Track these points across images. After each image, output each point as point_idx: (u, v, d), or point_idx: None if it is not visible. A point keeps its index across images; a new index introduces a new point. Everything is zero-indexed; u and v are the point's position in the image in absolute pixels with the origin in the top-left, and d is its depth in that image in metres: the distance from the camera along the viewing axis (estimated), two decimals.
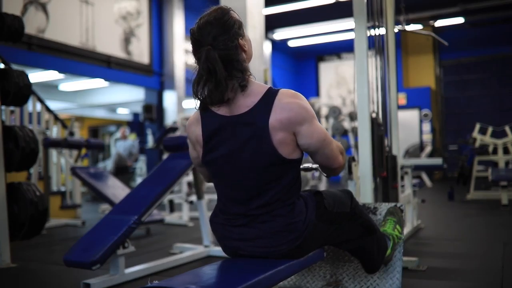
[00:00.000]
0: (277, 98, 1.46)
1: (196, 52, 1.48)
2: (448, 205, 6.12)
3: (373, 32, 3.23)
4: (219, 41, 1.44)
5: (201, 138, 1.54)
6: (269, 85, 1.56)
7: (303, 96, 1.51)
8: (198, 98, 1.50)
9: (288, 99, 1.46)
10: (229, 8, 1.52)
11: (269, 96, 1.47)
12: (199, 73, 1.46)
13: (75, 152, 5.59)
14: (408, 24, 3.85)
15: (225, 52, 1.44)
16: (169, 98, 9.87)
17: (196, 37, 1.47)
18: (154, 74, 9.73)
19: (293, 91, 1.51)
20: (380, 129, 3.00)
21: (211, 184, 6.64)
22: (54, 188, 5.75)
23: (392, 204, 2.11)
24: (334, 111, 8.42)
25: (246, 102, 1.47)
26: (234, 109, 1.48)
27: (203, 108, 1.53)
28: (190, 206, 5.40)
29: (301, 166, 1.86)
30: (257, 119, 1.45)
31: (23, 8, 6.91)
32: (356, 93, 2.93)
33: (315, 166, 1.86)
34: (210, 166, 1.56)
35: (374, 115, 2.99)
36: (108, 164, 8.73)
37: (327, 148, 1.54)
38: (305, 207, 1.53)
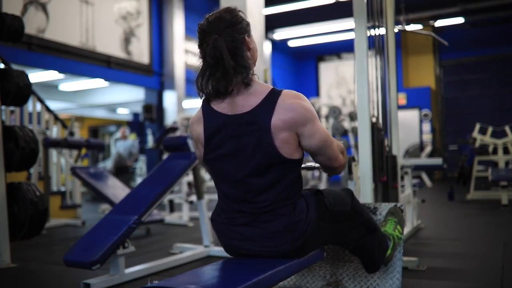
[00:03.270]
0: (280, 98, 1.47)
1: (202, 43, 1.50)
2: (448, 205, 6.12)
3: (373, 32, 3.23)
4: (226, 33, 1.47)
5: (202, 137, 1.54)
6: (269, 85, 1.56)
7: (305, 97, 1.52)
8: (203, 92, 1.51)
9: (292, 100, 1.47)
10: (238, 9, 1.58)
11: (272, 96, 1.48)
12: (204, 66, 1.48)
13: (75, 152, 5.59)
14: (408, 24, 3.84)
15: (232, 44, 1.47)
16: (169, 98, 9.87)
17: (204, 28, 1.50)
18: (154, 74, 9.74)
19: (296, 92, 1.52)
20: (380, 134, 3.00)
21: (211, 184, 6.65)
22: (54, 188, 5.75)
23: (392, 204, 2.11)
24: (334, 111, 8.41)
25: (248, 102, 1.48)
26: (237, 108, 1.48)
27: (206, 104, 1.54)
28: (190, 206, 5.40)
29: (303, 166, 1.87)
30: (260, 119, 1.45)
31: (23, 8, 6.91)
32: (356, 93, 2.93)
33: (317, 165, 1.87)
34: (211, 165, 1.57)
35: (374, 119, 2.98)
36: (108, 164, 8.73)
37: (329, 148, 1.56)
38: (306, 206, 1.54)
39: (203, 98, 1.56)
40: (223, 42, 1.45)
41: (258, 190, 1.49)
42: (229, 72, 1.44)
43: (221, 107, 1.51)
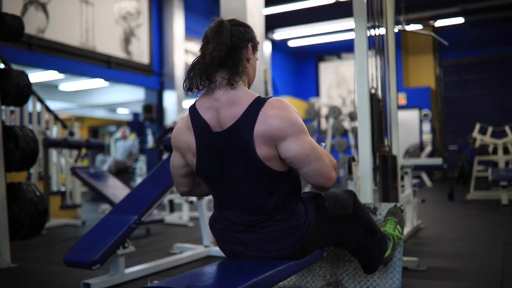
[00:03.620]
0: (262, 109, 1.40)
1: (209, 27, 1.49)
2: (448, 205, 6.12)
3: (373, 32, 3.23)
4: (235, 27, 1.48)
5: (194, 146, 1.49)
6: (268, 85, 1.56)
7: (291, 108, 1.44)
8: (190, 81, 1.46)
9: (273, 111, 1.39)
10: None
11: (255, 106, 1.41)
12: (198, 57, 1.47)
13: (75, 152, 5.59)
14: (408, 24, 3.85)
15: (235, 39, 1.46)
16: (169, 98, 9.87)
17: (216, 18, 1.50)
18: (154, 74, 9.73)
19: (283, 101, 1.44)
20: (380, 105, 3.03)
21: None
22: (54, 188, 5.75)
23: (392, 204, 2.11)
24: (334, 111, 8.41)
25: (232, 112, 1.42)
26: (222, 121, 1.43)
27: (193, 110, 1.49)
28: (190, 206, 5.40)
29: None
30: (243, 132, 1.40)
31: (23, 8, 6.91)
32: (356, 93, 2.93)
33: None
34: (205, 176, 1.54)
35: (373, 91, 3.00)
36: (108, 160, 8.72)
37: (314, 164, 1.43)
38: (305, 210, 1.52)
39: (191, 103, 1.54)
40: (229, 28, 1.45)
41: (252, 200, 1.47)
42: (226, 43, 1.42)
43: (208, 116, 1.46)
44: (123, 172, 8.23)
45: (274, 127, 1.38)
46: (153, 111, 9.63)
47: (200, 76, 1.44)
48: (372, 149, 2.88)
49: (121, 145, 9.01)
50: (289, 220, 1.48)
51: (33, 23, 7.00)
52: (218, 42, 1.42)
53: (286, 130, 1.39)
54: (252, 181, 1.46)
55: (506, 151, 6.78)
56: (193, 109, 1.51)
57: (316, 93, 13.81)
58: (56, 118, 5.83)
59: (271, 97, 1.48)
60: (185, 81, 1.48)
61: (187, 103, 10.08)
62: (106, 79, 8.93)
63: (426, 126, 12.10)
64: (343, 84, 13.69)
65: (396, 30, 3.65)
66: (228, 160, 1.45)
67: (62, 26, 7.55)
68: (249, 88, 1.54)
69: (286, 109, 1.42)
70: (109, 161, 8.55)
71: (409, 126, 11.97)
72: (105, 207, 6.35)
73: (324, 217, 1.56)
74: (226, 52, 1.42)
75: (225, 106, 1.44)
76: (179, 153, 1.57)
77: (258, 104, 1.42)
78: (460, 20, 11.27)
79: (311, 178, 1.46)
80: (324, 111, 9.82)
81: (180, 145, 1.54)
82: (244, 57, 1.49)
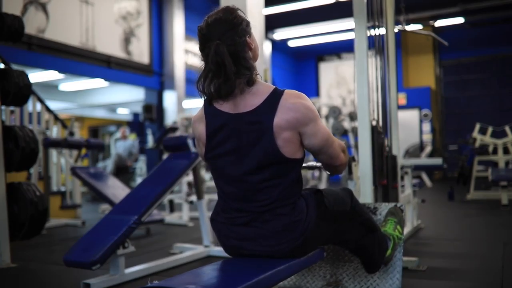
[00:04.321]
0: (283, 98, 1.48)
1: (203, 48, 1.50)
2: (448, 205, 6.12)
3: (373, 32, 3.22)
4: (227, 37, 1.46)
5: (204, 135, 1.55)
6: (272, 85, 1.56)
7: (307, 97, 1.54)
8: (204, 93, 1.51)
9: (294, 100, 1.48)
10: (237, 7, 1.55)
11: (275, 96, 1.48)
12: (207, 69, 1.48)
13: (75, 152, 5.59)
14: (408, 24, 3.84)
15: (233, 48, 1.46)
16: (169, 98, 9.87)
17: (204, 33, 1.49)
18: (154, 74, 9.74)
19: (298, 92, 1.53)
20: (380, 137, 3.00)
21: (211, 184, 6.63)
22: (54, 188, 5.75)
23: (392, 204, 2.11)
24: (334, 111, 8.41)
25: (251, 101, 1.48)
26: (239, 107, 1.49)
27: (208, 104, 1.54)
28: (190, 206, 5.40)
29: (304, 165, 1.87)
30: (263, 118, 1.46)
31: (23, 8, 6.91)
32: (356, 93, 2.93)
33: (318, 164, 1.87)
34: (212, 163, 1.57)
35: (374, 122, 2.98)
36: (109, 164, 8.72)
37: (330, 147, 1.58)
38: (306, 206, 1.54)
39: (205, 98, 1.56)
40: (225, 47, 1.44)
41: (258, 188, 1.50)
42: (231, 78, 1.45)
43: (224, 106, 1.51)
44: (123, 172, 8.23)
45: (300, 113, 1.47)
46: (153, 111, 9.64)
47: (220, 97, 1.49)
48: (373, 182, 2.85)
49: (121, 145, 9.02)
50: (290, 215, 1.50)
51: (33, 23, 7.00)
52: (225, 78, 1.44)
53: (309, 116, 1.49)
54: (261, 168, 1.48)
55: (506, 151, 6.78)
56: (207, 102, 1.56)
57: (316, 93, 13.82)
58: (56, 118, 5.83)
59: (285, 89, 1.53)
60: (199, 93, 1.52)
61: (187, 103, 10.08)
62: (106, 79, 8.93)
63: (426, 126, 12.10)
64: (343, 84, 13.70)
65: (396, 30, 3.64)
66: (240, 144, 1.49)
67: (62, 26, 7.56)
68: (255, 62, 1.58)
69: (304, 98, 1.52)
70: (112, 159, 8.56)
71: (409, 126, 11.97)
72: (105, 207, 6.35)
73: (324, 214, 1.58)
74: (234, 78, 1.45)
75: (243, 97, 1.49)
76: (197, 141, 1.64)
77: (277, 94, 1.49)
78: (460, 20, 11.27)
79: (327, 160, 1.62)
80: (324, 111, 9.81)
81: (195, 134, 1.62)
82: (247, 54, 1.51)
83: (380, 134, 2.99)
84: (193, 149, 3.45)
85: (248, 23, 1.55)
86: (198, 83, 1.50)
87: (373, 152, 2.88)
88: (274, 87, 1.53)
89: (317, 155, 1.60)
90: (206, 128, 1.54)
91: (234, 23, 1.49)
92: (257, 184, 1.50)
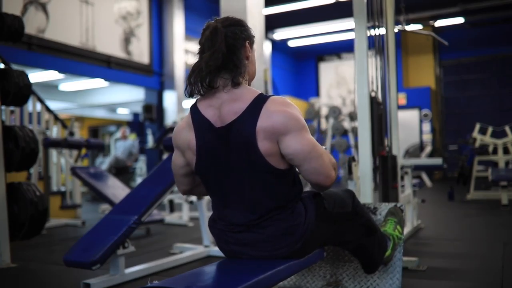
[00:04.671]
0: (265, 105, 1.42)
1: (203, 31, 1.49)
2: (448, 205, 6.12)
3: (373, 32, 3.23)
4: (229, 28, 1.47)
5: (194, 145, 1.49)
6: (268, 85, 1.57)
7: (293, 105, 1.46)
8: (191, 86, 1.47)
9: (276, 107, 1.42)
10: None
11: (258, 102, 1.43)
12: (197, 61, 1.47)
13: (75, 152, 5.59)
14: (408, 24, 3.84)
15: (232, 40, 1.46)
16: (169, 98, 9.87)
17: (209, 23, 1.50)
18: (154, 74, 9.73)
19: (285, 99, 1.46)
20: (380, 108, 3.03)
21: None
22: (54, 188, 5.75)
23: (392, 204, 2.11)
24: (334, 111, 8.41)
25: (234, 108, 1.43)
26: (224, 117, 1.45)
27: (194, 109, 1.51)
28: (190, 206, 5.40)
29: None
30: (245, 127, 1.41)
31: (23, 8, 6.91)
32: (356, 93, 2.93)
33: None
34: (203, 175, 1.54)
35: (373, 94, 3.00)
36: (105, 162, 8.72)
37: (314, 161, 1.44)
38: (305, 209, 1.52)
39: (192, 103, 1.55)
40: (223, 32, 1.45)
41: (253, 200, 1.47)
42: (219, 50, 1.42)
43: (209, 113, 1.47)
44: (123, 172, 8.23)
45: (278, 121, 1.39)
46: (153, 111, 9.63)
47: (201, 83, 1.45)
48: (372, 152, 2.88)
49: (121, 145, 9.01)
50: (289, 219, 1.48)
51: (33, 23, 7.00)
52: (214, 50, 1.43)
53: (288, 125, 1.40)
54: (252, 178, 1.45)
55: (506, 151, 6.78)
56: (194, 107, 1.52)
57: (316, 93, 13.81)
58: (56, 118, 5.83)
59: (273, 95, 1.49)
60: (186, 87, 1.49)
61: (187, 103, 10.08)
62: (106, 79, 8.93)
63: (426, 126, 12.10)
64: (343, 84, 13.69)
65: (396, 30, 3.64)
66: (229, 156, 1.45)
67: (62, 26, 7.55)
68: (250, 84, 1.56)
69: (288, 106, 1.44)
70: (109, 159, 8.55)
71: (409, 126, 11.97)
72: (105, 207, 6.35)
73: (324, 216, 1.57)
74: (222, 58, 1.43)
75: (227, 103, 1.45)
76: (180, 151, 1.57)
77: (260, 100, 1.44)
78: (460, 20, 11.27)
79: (310, 176, 1.48)
80: (324, 111, 9.82)
81: (180, 143, 1.55)
82: (243, 56, 1.50)
83: (379, 105, 3.03)
84: None
85: (253, 36, 1.56)
86: (189, 78, 1.48)
87: (372, 122, 2.90)
88: (260, 92, 1.48)
89: (299, 168, 1.48)
90: (196, 138, 1.48)
91: (240, 23, 1.52)
92: (251, 194, 1.47)
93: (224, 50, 1.43)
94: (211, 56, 1.42)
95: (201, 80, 1.45)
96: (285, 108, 1.42)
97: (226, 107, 1.45)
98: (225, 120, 1.44)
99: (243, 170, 1.45)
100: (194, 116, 1.50)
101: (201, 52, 1.48)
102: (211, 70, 1.43)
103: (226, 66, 1.45)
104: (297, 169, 1.53)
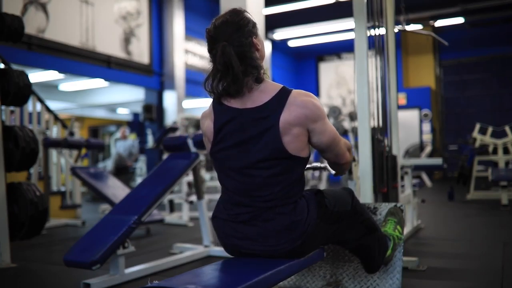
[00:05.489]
0: (291, 95, 1.51)
1: (211, 49, 1.55)
2: (448, 205, 6.12)
3: (373, 32, 3.22)
4: (234, 38, 1.51)
5: (211, 131, 1.58)
6: (280, 84, 1.59)
7: (315, 96, 1.57)
8: (213, 93, 1.55)
9: (303, 97, 1.52)
10: (244, 9, 1.60)
11: (283, 94, 1.52)
12: (215, 69, 1.52)
13: (75, 152, 5.59)
14: (408, 24, 3.84)
15: (240, 49, 1.51)
16: (169, 98, 9.87)
17: (212, 35, 1.54)
18: (154, 74, 9.73)
19: (306, 91, 1.57)
20: (381, 146, 3.00)
21: (211, 184, 6.61)
22: (54, 188, 5.75)
23: (392, 204, 2.11)
24: (334, 111, 8.41)
25: (259, 98, 1.52)
26: (247, 103, 1.53)
27: (217, 102, 1.58)
28: (190, 206, 5.40)
29: (309, 166, 1.88)
30: (270, 114, 1.49)
31: (23, 8, 6.91)
32: (356, 93, 2.93)
33: (323, 165, 1.88)
34: (217, 157, 1.59)
35: (379, 137, 2.97)
36: (108, 164, 8.72)
37: (337, 146, 1.62)
38: (307, 206, 1.54)
39: (191, 103, 1.58)
40: (231, 48, 1.49)
41: (260, 183, 1.51)
42: (239, 78, 1.49)
43: (232, 102, 1.55)
44: (123, 172, 8.23)
45: (310, 110, 1.51)
46: (153, 111, 9.64)
47: (230, 95, 1.54)
48: (373, 189, 2.84)
49: (121, 145, 9.02)
50: (291, 215, 1.50)
51: (33, 23, 7.00)
52: (233, 75, 1.49)
53: (318, 113, 1.53)
54: (264, 164, 1.50)
55: (506, 151, 6.78)
56: (216, 97, 1.59)
57: (316, 93, 13.81)
58: (56, 118, 5.83)
59: (293, 89, 1.58)
60: (212, 91, 1.55)
61: (187, 103, 10.08)
62: (106, 79, 8.92)
63: (426, 126, 12.10)
64: (343, 84, 13.70)
65: (396, 30, 3.64)
66: (244, 138, 1.52)
67: (62, 26, 7.55)
68: (262, 61, 1.62)
69: (312, 96, 1.56)
70: (111, 160, 8.55)
71: (409, 126, 11.97)
72: (105, 207, 6.35)
73: (325, 215, 1.58)
74: (242, 73, 1.49)
75: (251, 94, 1.53)
76: (205, 137, 1.66)
77: (285, 92, 1.53)
78: (460, 20, 11.27)
79: (333, 158, 1.67)
80: (324, 111, 9.80)
81: (203, 129, 1.65)
82: (254, 54, 1.55)
83: (380, 142, 2.99)
84: (193, 149, 3.45)
85: (254, 24, 1.59)
86: (206, 83, 1.55)
87: (373, 161, 2.86)
88: (282, 85, 1.56)
89: (324, 153, 1.64)
90: (214, 123, 1.57)
91: (241, 25, 1.53)
92: (260, 177, 1.51)
93: (242, 68, 1.49)
94: (233, 83, 1.50)
95: (229, 94, 1.53)
96: (310, 98, 1.54)
97: (250, 97, 1.53)
98: (249, 105, 1.52)
99: (257, 152, 1.50)
100: (216, 105, 1.59)
101: (213, 62, 1.53)
102: (238, 89, 1.51)
103: (246, 74, 1.51)
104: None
